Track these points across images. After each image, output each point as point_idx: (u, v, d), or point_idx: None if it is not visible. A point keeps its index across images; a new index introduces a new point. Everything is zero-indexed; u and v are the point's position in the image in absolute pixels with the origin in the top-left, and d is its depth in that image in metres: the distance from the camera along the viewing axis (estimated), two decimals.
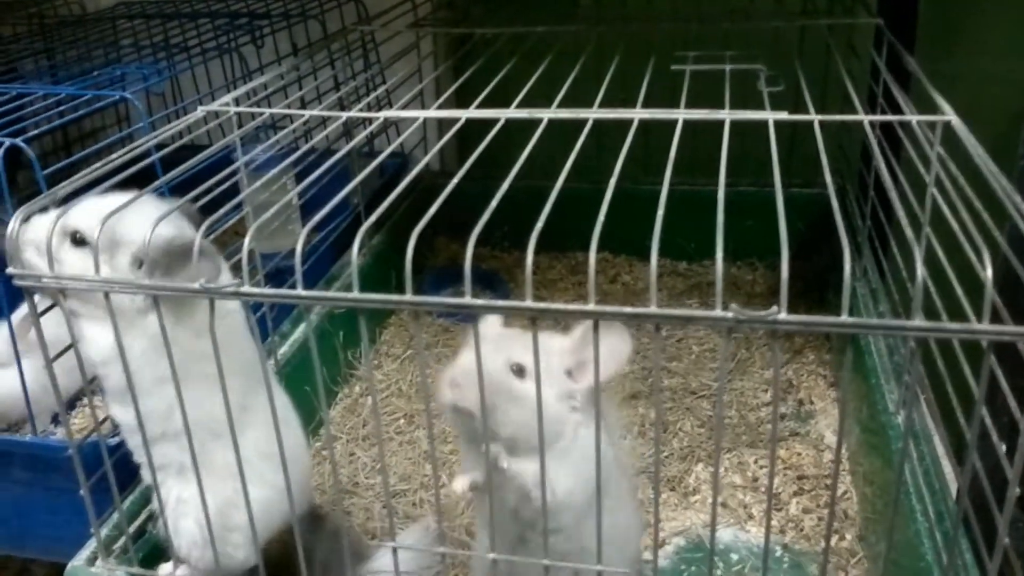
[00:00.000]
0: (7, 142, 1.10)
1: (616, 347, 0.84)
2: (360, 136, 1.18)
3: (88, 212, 0.90)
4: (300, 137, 1.64)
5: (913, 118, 1.01)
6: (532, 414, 0.81)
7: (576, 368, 0.89)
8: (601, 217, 0.76)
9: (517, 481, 0.86)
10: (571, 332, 0.90)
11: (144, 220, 0.84)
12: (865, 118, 1.00)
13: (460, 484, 0.90)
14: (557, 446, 0.86)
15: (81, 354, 0.93)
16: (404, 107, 1.26)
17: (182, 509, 0.97)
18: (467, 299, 0.72)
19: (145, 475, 1.00)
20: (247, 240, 0.77)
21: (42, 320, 0.90)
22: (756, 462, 1.33)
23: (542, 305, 0.72)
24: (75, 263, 0.91)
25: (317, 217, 0.81)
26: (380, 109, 1.20)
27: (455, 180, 0.87)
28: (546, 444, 0.81)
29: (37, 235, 0.87)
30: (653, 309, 0.70)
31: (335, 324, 1.52)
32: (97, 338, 0.92)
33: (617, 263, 1.92)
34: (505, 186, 0.83)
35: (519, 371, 0.86)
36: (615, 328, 0.84)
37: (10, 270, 0.82)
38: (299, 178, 1.47)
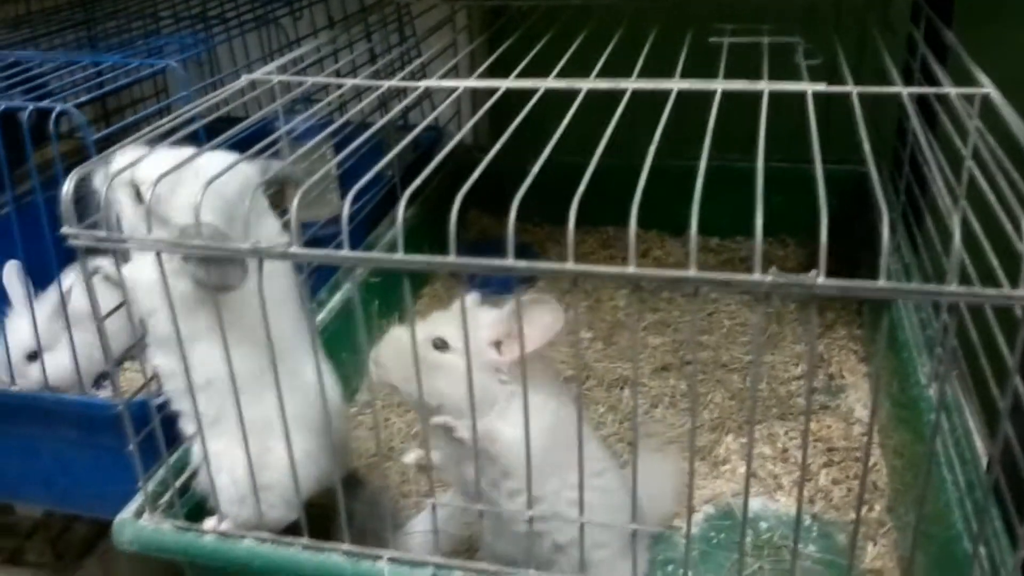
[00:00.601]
0: (58, 107, 1.13)
1: (546, 321, 0.87)
2: (397, 108, 1.19)
3: (152, 171, 0.89)
4: (336, 110, 1.66)
5: (951, 90, 1.01)
6: (455, 385, 0.87)
7: (504, 341, 0.92)
8: (641, 184, 0.77)
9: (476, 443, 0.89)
10: (500, 307, 0.94)
11: (193, 203, 0.82)
12: (903, 90, 1.01)
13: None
14: (493, 413, 0.90)
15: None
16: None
17: (215, 463, 1.00)
18: (509, 261, 0.74)
19: (183, 424, 1.02)
20: (294, 204, 0.79)
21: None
22: (786, 434, 1.34)
23: (582, 268, 0.73)
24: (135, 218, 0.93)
25: (360, 183, 0.83)
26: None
27: (493, 151, 0.89)
28: (478, 412, 0.85)
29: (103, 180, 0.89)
30: (692, 272, 0.71)
31: (371, 293, 1.54)
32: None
33: (648, 238, 1.92)
34: (544, 157, 0.85)
35: (441, 344, 0.91)
36: (546, 303, 0.87)
37: (65, 229, 0.84)
38: (336, 150, 1.49)
